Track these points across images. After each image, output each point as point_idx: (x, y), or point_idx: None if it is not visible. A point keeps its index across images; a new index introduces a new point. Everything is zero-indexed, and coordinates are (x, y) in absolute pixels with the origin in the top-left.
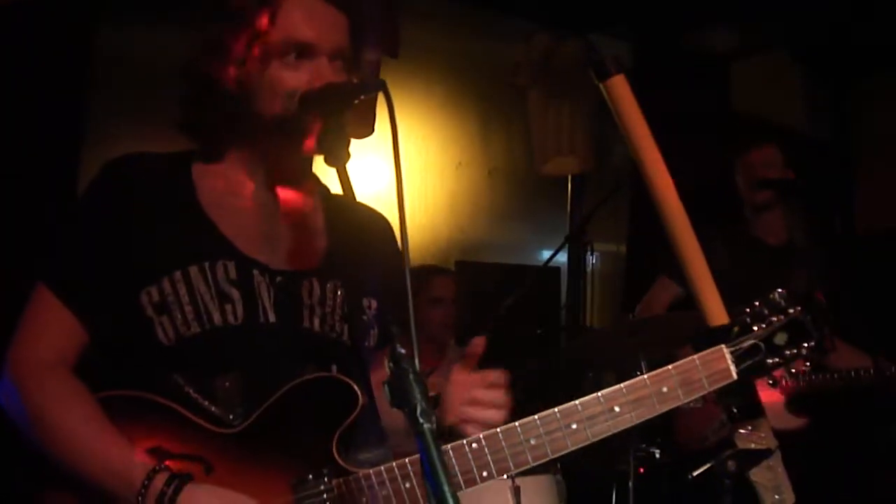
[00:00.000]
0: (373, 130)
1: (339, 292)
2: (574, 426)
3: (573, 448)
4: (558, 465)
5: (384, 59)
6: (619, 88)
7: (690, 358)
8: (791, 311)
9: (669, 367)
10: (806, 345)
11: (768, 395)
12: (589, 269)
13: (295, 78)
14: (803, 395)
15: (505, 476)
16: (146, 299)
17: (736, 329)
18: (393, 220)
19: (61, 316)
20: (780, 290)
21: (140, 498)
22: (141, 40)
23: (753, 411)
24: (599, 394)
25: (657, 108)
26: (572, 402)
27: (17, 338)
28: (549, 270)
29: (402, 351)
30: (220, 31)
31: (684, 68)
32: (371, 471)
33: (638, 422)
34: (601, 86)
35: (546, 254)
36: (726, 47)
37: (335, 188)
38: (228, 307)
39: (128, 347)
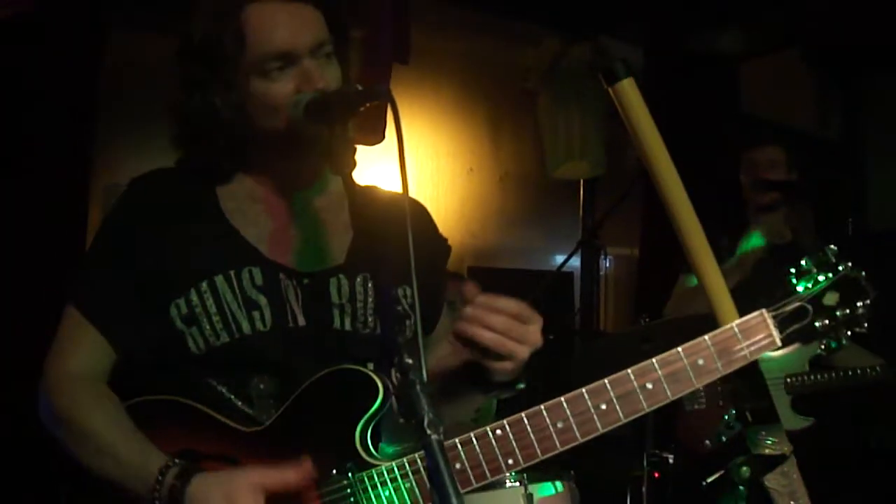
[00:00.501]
0: (383, 137)
1: (368, 285)
2: (604, 406)
3: (604, 430)
4: (571, 473)
5: (395, 66)
6: (628, 93)
7: (728, 325)
8: (842, 267)
9: (705, 336)
10: (861, 303)
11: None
12: (602, 272)
13: (283, 88)
14: (808, 396)
15: (519, 484)
16: (175, 312)
17: (780, 292)
18: None
19: (88, 333)
20: (831, 245)
21: (156, 494)
22: (152, 48)
23: (768, 416)
24: (629, 370)
25: (667, 109)
26: (600, 381)
27: (50, 354)
28: (562, 275)
29: (410, 361)
30: (195, 67)
31: (694, 70)
32: (394, 463)
33: (674, 398)
34: (610, 90)
35: (559, 258)
36: (735, 49)
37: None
38: (256, 314)
39: (162, 358)
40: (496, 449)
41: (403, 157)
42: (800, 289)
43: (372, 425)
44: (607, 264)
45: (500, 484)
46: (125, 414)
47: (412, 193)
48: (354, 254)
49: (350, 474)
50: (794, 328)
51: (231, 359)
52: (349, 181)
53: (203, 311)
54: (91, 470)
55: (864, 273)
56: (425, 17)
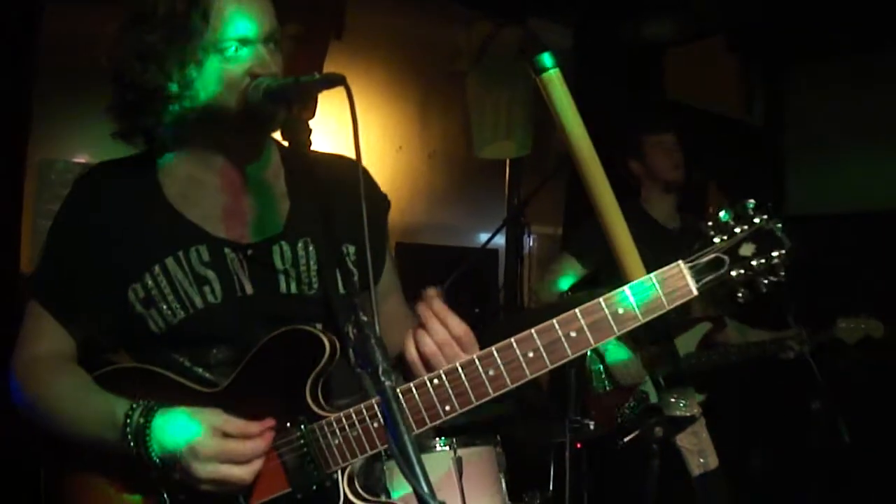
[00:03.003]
0: (314, 114)
1: (310, 248)
2: (531, 354)
3: (532, 376)
4: (498, 438)
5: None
6: (555, 83)
7: (647, 276)
8: (758, 219)
9: (625, 287)
10: (776, 253)
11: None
12: (526, 250)
13: (238, 68)
14: (702, 372)
15: (448, 448)
16: (134, 297)
17: (697, 244)
18: None
19: (49, 324)
20: (749, 199)
21: (127, 436)
22: (90, 20)
23: (679, 380)
24: (554, 321)
25: (596, 92)
26: (528, 331)
27: (16, 346)
28: (488, 252)
29: (364, 318)
30: (154, 39)
31: (622, 54)
32: (342, 413)
33: (596, 344)
34: (538, 80)
35: (484, 236)
36: (661, 35)
37: None
38: (207, 288)
39: (127, 341)
40: (434, 397)
41: (358, 141)
42: (716, 240)
43: (321, 380)
44: (531, 242)
45: (430, 448)
46: (89, 378)
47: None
48: (293, 220)
49: (302, 426)
50: (710, 278)
51: (189, 333)
52: (284, 150)
53: (159, 292)
54: (67, 435)
55: (780, 225)
56: None
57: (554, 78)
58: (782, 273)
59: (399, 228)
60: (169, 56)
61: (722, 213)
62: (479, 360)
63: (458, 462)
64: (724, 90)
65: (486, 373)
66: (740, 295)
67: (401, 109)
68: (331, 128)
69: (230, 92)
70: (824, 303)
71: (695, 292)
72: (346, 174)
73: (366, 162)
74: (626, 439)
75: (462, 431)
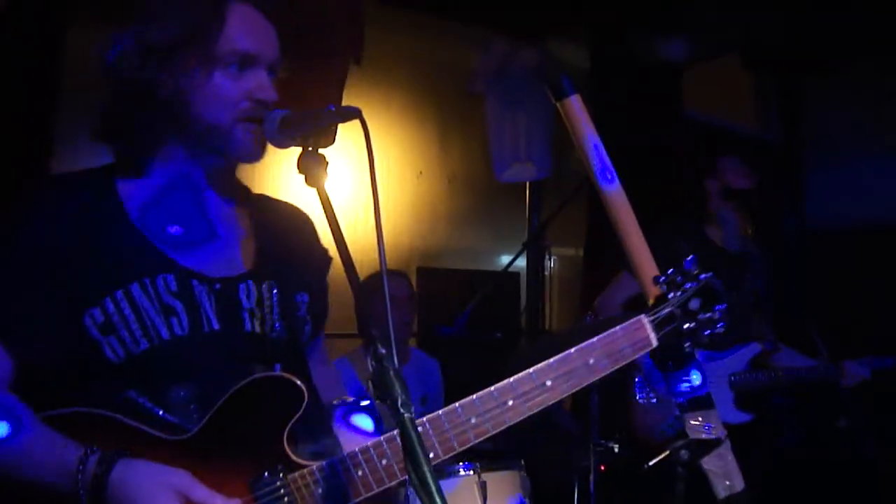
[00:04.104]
0: (333, 141)
1: (273, 291)
2: (510, 402)
3: (512, 423)
4: (522, 462)
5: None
6: (575, 108)
7: (612, 329)
8: (703, 276)
9: (594, 339)
10: (718, 308)
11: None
12: (547, 273)
13: (237, 87)
14: (749, 392)
15: (473, 472)
16: (90, 321)
17: (653, 300)
18: (355, 227)
19: None
20: (691, 256)
21: (79, 484)
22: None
23: (703, 403)
24: (531, 370)
25: (613, 110)
26: (507, 381)
27: None
28: (509, 275)
29: (383, 351)
30: (163, 39)
31: (640, 72)
32: (325, 462)
33: (570, 392)
34: (558, 105)
35: (505, 259)
36: (678, 54)
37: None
38: (174, 320)
39: (77, 369)
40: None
41: (374, 173)
42: (670, 296)
43: (297, 428)
44: (552, 265)
45: (454, 472)
46: (33, 415)
47: (361, 196)
48: (259, 261)
49: (282, 475)
50: (667, 330)
51: (150, 365)
52: (247, 189)
53: (121, 318)
54: (7, 478)
55: (718, 282)
56: (376, 19)
57: (574, 102)
58: (719, 326)
59: (420, 253)
60: (171, 57)
61: (671, 271)
62: (461, 407)
63: (483, 486)
64: (741, 107)
65: (469, 420)
66: (687, 346)
67: (420, 134)
68: (349, 156)
69: (224, 109)
70: (855, 321)
71: (654, 343)
72: (297, 224)
73: (386, 188)
74: (651, 462)
75: (486, 456)
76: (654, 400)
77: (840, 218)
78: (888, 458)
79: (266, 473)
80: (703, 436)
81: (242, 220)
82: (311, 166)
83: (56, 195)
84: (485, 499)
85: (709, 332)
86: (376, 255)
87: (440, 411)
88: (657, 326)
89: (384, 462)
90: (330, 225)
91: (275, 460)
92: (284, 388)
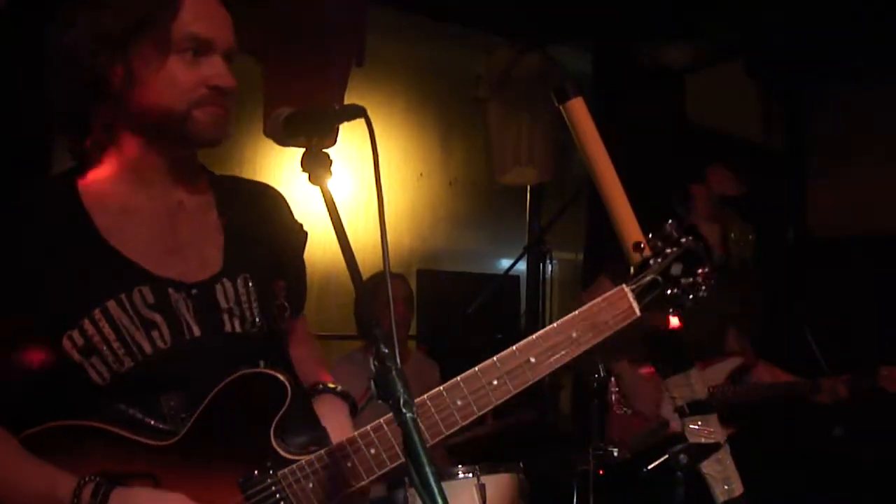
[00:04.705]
0: (335, 141)
1: (249, 284)
2: (495, 382)
3: (497, 402)
4: (521, 465)
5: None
6: (578, 111)
7: (594, 301)
8: (683, 240)
9: (575, 311)
10: (700, 271)
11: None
12: (547, 276)
13: (193, 73)
14: (730, 406)
15: (472, 475)
16: (69, 344)
17: (633, 268)
18: (357, 227)
19: None
20: (669, 221)
21: None
22: None
23: (703, 408)
24: (514, 347)
25: (616, 116)
26: (491, 359)
27: None
28: (509, 278)
29: (386, 350)
30: (117, 25)
31: (642, 78)
32: (313, 456)
33: (556, 367)
34: (561, 108)
35: (506, 262)
36: (681, 61)
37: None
38: (155, 333)
39: (61, 393)
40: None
41: (378, 174)
42: (651, 262)
43: (283, 423)
44: (552, 268)
45: (453, 476)
46: (16, 444)
47: (361, 196)
48: (230, 255)
49: (272, 472)
50: (649, 298)
51: (138, 381)
52: (211, 176)
53: (102, 339)
54: None
55: (701, 243)
56: (379, 23)
57: (577, 105)
58: (704, 289)
59: (420, 255)
60: (125, 44)
61: (650, 236)
62: (445, 391)
63: (482, 490)
64: (744, 115)
65: (455, 402)
66: (671, 311)
67: (422, 136)
68: (352, 156)
69: (181, 98)
70: (859, 330)
71: (638, 313)
72: (268, 204)
73: (387, 189)
74: (650, 466)
75: (485, 459)
76: (630, 411)
77: (843, 227)
78: (884, 466)
79: (256, 472)
80: (702, 440)
81: (210, 213)
82: (314, 165)
83: (19, 216)
84: (484, 501)
85: (692, 296)
86: (376, 256)
87: (425, 396)
88: (639, 295)
89: (373, 451)
90: (333, 225)
91: (264, 458)
92: (267, 384)
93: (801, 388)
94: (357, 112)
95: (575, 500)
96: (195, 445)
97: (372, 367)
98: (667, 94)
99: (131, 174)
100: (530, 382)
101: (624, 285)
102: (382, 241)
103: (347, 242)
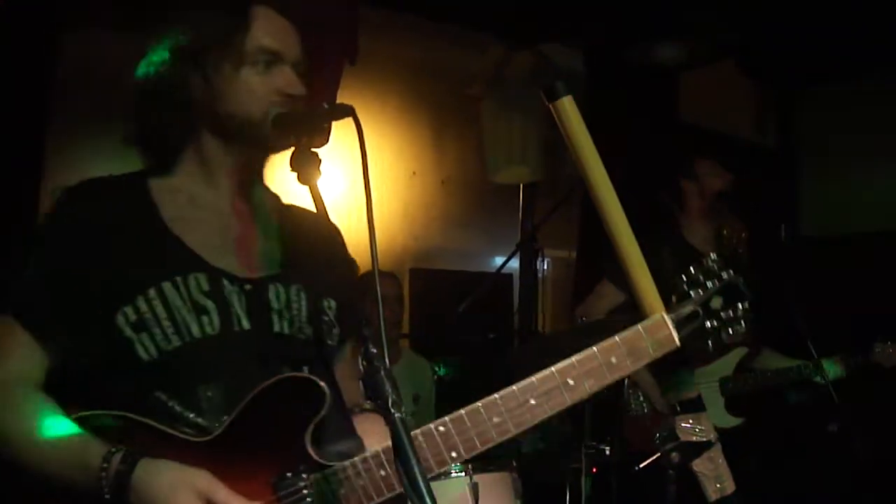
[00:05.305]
0: (328, 140)
1: (301, 294)
2: (533, 401)
3: (534, 423)
4: (514, 463)
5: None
6: (567, 110)
7: (635, 327)
8: (724, 275)
9: (615, 337)
10: (741, 306)
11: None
12: (540, 274)
13: (266, 82)
14: (740, 397)
15: (464, 474)
16: (122, 320)
17: (674, 297)
18: (348, 226)
19: (22, 340)
20: (711, 255)
21: (103, 481)
22: (107, 48)
23: (695, 406)
24: (553, 368)
25: (608, 114)
26: (529, 379)
27: None
28: (502, 277)
29: (374, 350)
30: (195, 41)
31: (635, 77)
32: (347, 462)
33: (592, 392)
34: (551, 107)
35: (498, 260)
36: (674, 59)
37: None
38: (205, 318)
39: (108, 367)
40: (440, 444)
41: (367, 173)
42: (692, 294)
43: (319, 429)
44: (545, 266)
45: (445, 474)
46: (61, 414)
47: (352, 196)
48: (288, 265)
49: (305, 475)
50: (688, 328)
51: (181, 364)
52: (276, 197)
53: (153, 316)
54: (32, 474)
55: (742, 279)
56: (371, 21)
57: (566, 104)
58: (743, 324)
59: (413, 254)
60: (202, 58)
61: (692, 269)
62: (483, 407)
63: (475, 488)
64: (737, 113)
65: (491, 419)
66: (710, 344)
67: (414, 135)
68: (342, 156)
69: (256, 106)
70: (855, 324)
71: (677, 343)
72: (325, 233)
73: (380, 188)
74: (642, 465)
75: (478, 457)
76: (647, 410)
77: (835, 225)
78: (879, 462)
79: (289, 473)
80: (694, 438)
81: (273, 224)
82: (304, 164)
83: (92, 198)
84: (476, 500)
85: (731, 330)
86: (368, 255)
87: (462, 410)
88: (679, 325)
89: None
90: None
91: (297, 460)
92: (307, 389)
93: (806, 372)
94: (346, 111)
95: (568, 498)
96: (231, 443)
97: (360, 367)
98: (660, 92)
99: (203, 174)
100: (567, 405)
101: (664, 314)
102: (371, 240)
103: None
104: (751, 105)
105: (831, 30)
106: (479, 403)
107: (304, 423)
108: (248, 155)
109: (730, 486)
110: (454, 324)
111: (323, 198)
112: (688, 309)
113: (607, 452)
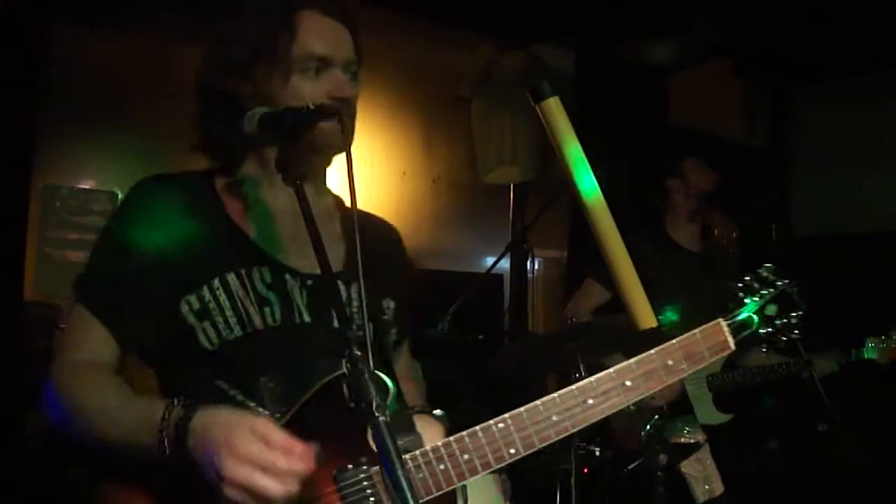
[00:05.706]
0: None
1: (361, 293)
2: (591, 402)
3: (590, 422)
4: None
5: None
6: (553, 110)
7: (692, 332)
8: (780, 283)
9: (674, 341)
10: (794, 314)
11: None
12: (531, 275)
13: (316, 88)
14: (727, 392)
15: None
16: (186, 308)
17: (731, 304)
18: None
19: (94, 329)
20: (767, 264)
21: (164, 433)
22: (95, 46)
23: (681, 407)
24: (612, 370)
25: (598, 114)
26: (589, 379)
27: (57, 350)
28: (492, 277)
29: (359, 353)
30: (241, 51)
31: (626, 77)
32: (407, 456)
33: (649, 393)
34: (537, 107)
35: (489, 261)
36: (666, 59)
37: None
38: (267, 310)
39: (172, 355)
40: (499, 440)
41: (352, 175)
42: (747, 301)
43: None
44: (536, 266)
45: None
46: (131, 388)
47: (342, 196)
48: (349, 264)
49: (366, 468)
50: (744, 334)
51: (242, 354)
52: (338, 198)
53: (216, 306)
54: (102, 440)
55: (796, 289)
56: (362, 21)
57: (552, 105)
58: (797, 332)
59: None
60: (254, 70)
61: (748, 276)
62: (542, 405)
63: (463, 490)
64: (729, 113)
65: (549, 418)
66: (764, 350)
67: (405, 135)
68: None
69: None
70: (848, 323)
71: (732, 347)
72: (386, 235)
73: (370, 188)
74: (630, 466)
75: None
76: (633, 407)
77: (829, 225)
78: (869, 462)
79: (350, 465)
80: (682, 440)
81: (334, 223)
82: (287, 165)
83: (163, 191)
84: (465, 501)
85: (785, 337)
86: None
87: (522, 409)
88: (735, 330)
89: (466, 457)
90: (307, 224)
91: (358, 453)
92: (371, 383)
93: (794, 368)
94: (331, 113)
95: (557, 499)
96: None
97: (344, 369)
98: (650, 92)
99: (266, 175)
100: (624, 406)
101: (721, 319)
102: (358, 239)
103: (321, 244)
104: (742, 105)
105: (823, 29)
106: (538, 402)
107: (366, 416)
108: (307, 158)
109: (718, 488)
110: (444, 324)
111: (308, 200)
112: (742, 315)
113: (597, 453)
